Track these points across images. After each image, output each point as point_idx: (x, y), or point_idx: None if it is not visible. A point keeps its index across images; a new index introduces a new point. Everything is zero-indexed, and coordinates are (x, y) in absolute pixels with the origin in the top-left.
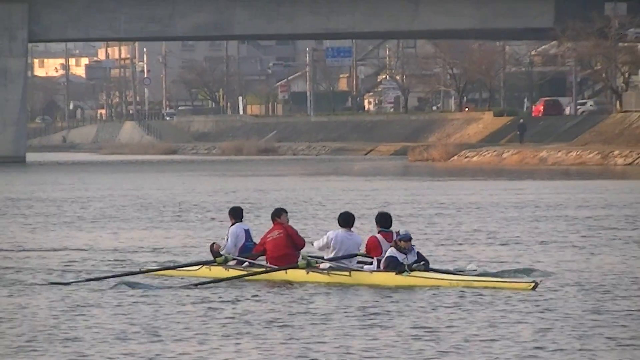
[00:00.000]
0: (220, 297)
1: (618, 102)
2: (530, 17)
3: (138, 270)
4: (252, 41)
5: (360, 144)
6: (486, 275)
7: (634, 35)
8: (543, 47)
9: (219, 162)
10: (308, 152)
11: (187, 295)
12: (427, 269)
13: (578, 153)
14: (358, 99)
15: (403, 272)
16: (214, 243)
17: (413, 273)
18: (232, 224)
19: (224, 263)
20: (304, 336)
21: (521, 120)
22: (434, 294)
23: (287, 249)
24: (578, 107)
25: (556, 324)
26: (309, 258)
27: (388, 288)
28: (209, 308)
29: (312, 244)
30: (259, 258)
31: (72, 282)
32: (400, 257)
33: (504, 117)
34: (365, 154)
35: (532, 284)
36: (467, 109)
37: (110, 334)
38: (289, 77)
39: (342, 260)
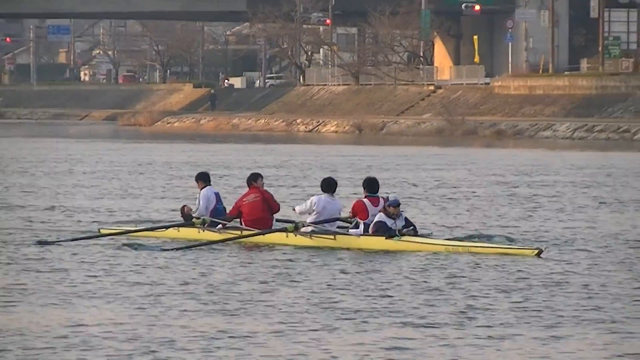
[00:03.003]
0: (206, 261)
1: (301, 77)
2: (226, 2)
3: (98, 231)
4: None
5: (77, 110)
6: (480, 241)
7: (316, 19)
8: (237, 27)
9: None
10: (31, 117)
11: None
12: (416, 233)
13: (266, 120)
14: (75, 71)
15: (394, 236)
16: (184, 206)
17: (404, 238)
18: (203, 187)
19: (202, 225)
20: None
21: (212, 91)
22: (429, 259)
23: (263, 212)
24: (267, 80)
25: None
26: (296, 222)
27: (377, 252)
28: (200, 273)
29: (294, 209)
30: (233, 221)
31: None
32: (389, 222)
33: (202, 89)
34: (81, 119)
35: (537, 251)
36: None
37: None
38: (15, 51)
39: (324, 224)
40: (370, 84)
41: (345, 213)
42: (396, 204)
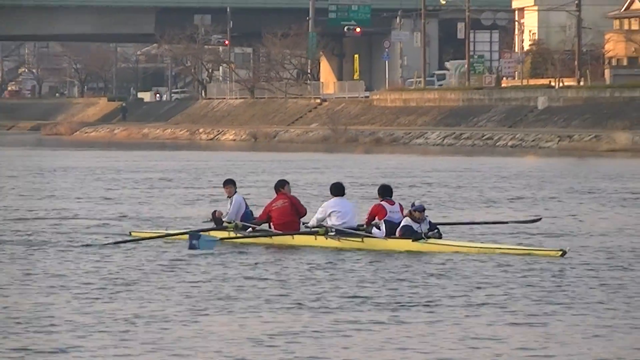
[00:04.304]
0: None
1: (203, 91)
2: (136, 25)
3: (129, 235)
4: None
5: (5, 121)
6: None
7: (216, 40)
8: (146, 48)
9: None
10: None
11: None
12: (440, 236)
13: (172, 130)
14: (3, 86)
15: (420, 239)
16: (215, 210)
17: (429, 240)
18: (233, 193)
19: (236, 229)
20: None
21: (123, 104)
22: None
23: (292, 216)
24: (172, 94)
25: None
26: (326, 227)
27: (403, 253)
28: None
29: (308, 224)
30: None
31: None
32: (415, 226)
33: (115, 102)
34: (8, 129)
35: (561, 251)
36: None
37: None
38: None
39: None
40: (264, 98)
41: (359, 215)
42: (421, 209)
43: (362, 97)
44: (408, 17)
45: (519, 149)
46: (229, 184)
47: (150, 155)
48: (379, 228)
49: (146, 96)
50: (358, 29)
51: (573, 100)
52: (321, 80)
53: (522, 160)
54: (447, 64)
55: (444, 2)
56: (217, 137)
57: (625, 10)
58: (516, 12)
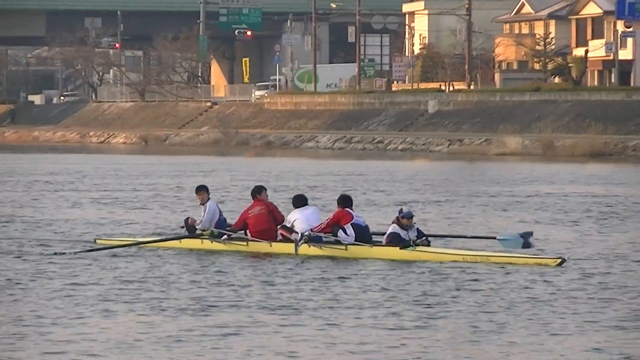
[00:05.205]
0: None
1: (94, 94)
2: (27, 28)
3: (93, 242)
4: None
5: None
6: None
7: (107, 43)
8: (37, 51)
9: None
10: None
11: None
12: (429, 244)
13: (63, 133)
14: None
15: (408, 246)
16: (188, 217)
17: (418, 248)
18: (207, 200)
19: (212, 237)
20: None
21: (12, 107)
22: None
23: (269, 223)
24: (63, 97)
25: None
26: (310, 233)
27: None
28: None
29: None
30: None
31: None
32: (402, 233)
33: (5, 105)
34: None
35: (559, 260)
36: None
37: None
38: None
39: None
40: (155, 101)
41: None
42: (410, 216)
43: (252, 101)
44: (299, 21)
45: (409, 153)
46: (202, 190)
47: (44, 158)
48: (345, 232)
49: (37, 99)
50: (249, 33)
51: (463, 104)
52: (212, 83)
53: (412, 164)
54: (284, 69)
55: (334, 6)
56: (107, 140)
57: (515, 14)
58: (407, 16)
